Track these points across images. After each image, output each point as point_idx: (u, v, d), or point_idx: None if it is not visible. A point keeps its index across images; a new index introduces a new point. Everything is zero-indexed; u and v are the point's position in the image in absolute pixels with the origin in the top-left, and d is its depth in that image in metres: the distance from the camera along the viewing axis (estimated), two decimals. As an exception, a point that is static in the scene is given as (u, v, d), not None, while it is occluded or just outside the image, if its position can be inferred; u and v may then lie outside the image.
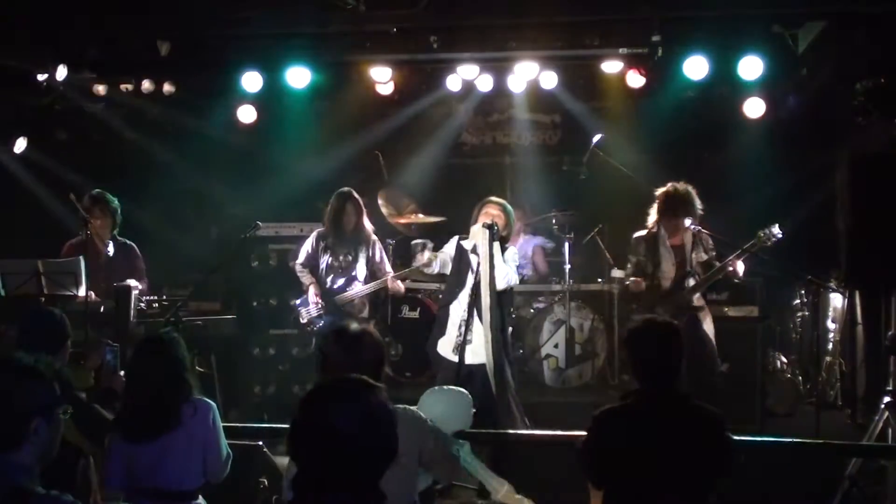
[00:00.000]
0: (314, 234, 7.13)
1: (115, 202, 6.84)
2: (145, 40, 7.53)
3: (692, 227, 6.49)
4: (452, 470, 3.68)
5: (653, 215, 6.65)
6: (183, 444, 3.81)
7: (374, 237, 7.11)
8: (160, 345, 3.91)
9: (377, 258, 7.06)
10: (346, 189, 7.07)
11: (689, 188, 6.52)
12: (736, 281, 6.56)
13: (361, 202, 7.07)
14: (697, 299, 6.53)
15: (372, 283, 6.96)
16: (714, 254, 6.60)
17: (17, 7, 6.81)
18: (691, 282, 6.51)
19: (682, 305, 6.45)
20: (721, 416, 3.58)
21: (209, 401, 3.94)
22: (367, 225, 7.08)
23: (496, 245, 6.03)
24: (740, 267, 6.35)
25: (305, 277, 7.06)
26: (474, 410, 4.24)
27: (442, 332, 6.31)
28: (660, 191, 6.61)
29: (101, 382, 4.48)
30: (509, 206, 6.36)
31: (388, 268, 7.13)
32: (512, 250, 6.38)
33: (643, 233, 6.67)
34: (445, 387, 4.40)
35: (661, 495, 3.43)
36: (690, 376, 6.44)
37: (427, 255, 6.79)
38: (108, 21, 7.03)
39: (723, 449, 3.56)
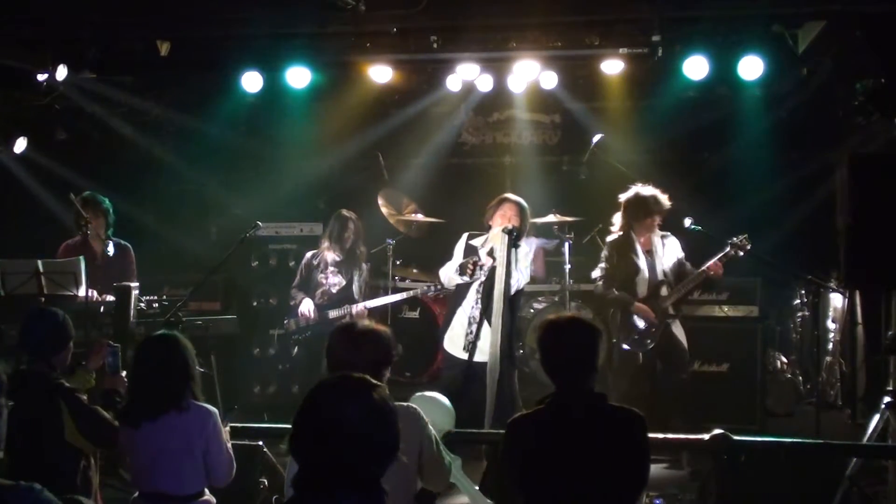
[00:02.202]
0: (305, 258, 7.24)
1: (107, 202, 6.76)
2: (145, 40, 7.51)
3: (690, 226, 6.52)
4: (444, 478, 3.64)
5: (619, 220, 6.62)
6: (179, 445, 3.81)
7: (365, 264, 7.21)
8: (169, 346, 3.92)
9: (363, 280, 7.15)
10: (344, 211, 7.22)
11: (655, 190, 6.52)
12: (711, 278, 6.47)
13: (359, 225, 7.17)
14: (671, 306, 6.51)
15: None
16: (683, 255, 6.58)
17: (17, 7, 6.81)
18: (665, 290, 6.49)
19: (659, 313, 6.46)
20: (638, 417, 3.38)
21: (211, 407, 3.94)
22: (362, 248, 7.18)
23: (513, 251, 6.04)
24: (719, 268, 6.36)
25: (298, 296, 7.14)
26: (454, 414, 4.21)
27: (447, 329, 6.35)
28: (627, 195, 6.58)
29: (102, 384, 4.47)
30: (524, 203, 6.33)
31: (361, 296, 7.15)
32: (524, 248, 6.34)
33: (615, 237, 6.64)
34: (427, 392, 4.39)
35: (579, 501, 3.27)
36: (664, 379, 6.53)
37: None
38: (108, 21, 7.02)
39: (639, 451, 3.36)
